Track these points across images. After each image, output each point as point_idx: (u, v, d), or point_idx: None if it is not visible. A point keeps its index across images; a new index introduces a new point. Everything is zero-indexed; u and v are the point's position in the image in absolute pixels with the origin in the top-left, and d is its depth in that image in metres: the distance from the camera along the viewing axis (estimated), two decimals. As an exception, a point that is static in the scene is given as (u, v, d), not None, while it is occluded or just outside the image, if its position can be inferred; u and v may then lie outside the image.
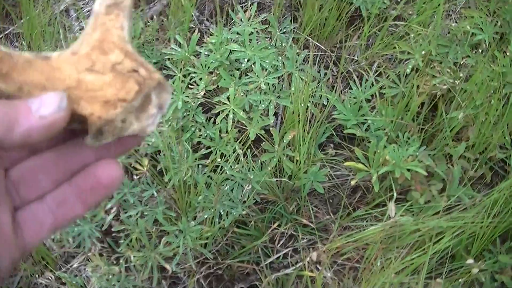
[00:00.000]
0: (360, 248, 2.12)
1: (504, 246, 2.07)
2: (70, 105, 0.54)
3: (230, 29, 2.32)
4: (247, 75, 2.22)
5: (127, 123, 0.56)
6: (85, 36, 0.59)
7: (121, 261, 2.08)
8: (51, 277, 2.11)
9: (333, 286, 2.02)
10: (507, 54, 2.23)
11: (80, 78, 0.56)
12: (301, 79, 2.24)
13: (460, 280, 2.00)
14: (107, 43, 0.57)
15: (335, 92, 2.37)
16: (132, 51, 0.58)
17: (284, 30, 2.42)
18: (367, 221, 2.18)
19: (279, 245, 2.19)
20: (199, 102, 2.20)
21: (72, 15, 2.55)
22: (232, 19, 2.35)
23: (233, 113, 2.14)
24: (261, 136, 2.17)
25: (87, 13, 2.57)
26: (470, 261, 2.02)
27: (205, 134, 2.18)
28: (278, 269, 2.16)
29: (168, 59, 2.31)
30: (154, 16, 2.47)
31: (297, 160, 2.12)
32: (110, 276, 2.06)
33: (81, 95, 0.55)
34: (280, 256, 2.17)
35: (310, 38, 2.44)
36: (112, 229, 2.12)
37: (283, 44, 2.35)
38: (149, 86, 0.55)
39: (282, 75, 2.23)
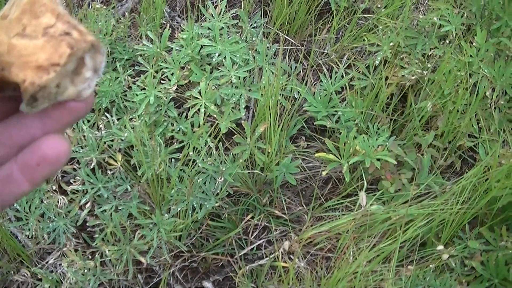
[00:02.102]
0: (332, 237, 2.14)
1: (473, 232, 2.10)
2: None
3: (201, 24, 2.34)
4: (218, 69, 2.24)
5: (61, 87, 0.55)
6: None
7: (96, 255, 2.09)
8: (27, 274, 2.11)
9: (307, 276, 2.04)
10: (474, 44, 2.27)
11: (11, 43, 0.54)
12: (272, 72, 2.26)
13: (430, 266, 2.03)
14: (38, 6, 0.55)
15: (306, 85, 2.40)
16: (64, 13, 0.56)
17: (255, 25, 2.45)
18: (339, 211, 2.21)
19: (252, 236, 2.21)
20: (171, 97, 2.22)
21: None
22: (203, 14, 2.37)
23: (204, 107, 2.16)
24: (233, 130, 2.19)
25: None
26: (440, 247, 2.05)
27: (178, 129, 2.20)
28: (252, 260, 2.18)
29: (140, 55, 2.33)
30: (126, 13, 2.49)
31: (268, 152, 2.15)
32: (86, 271, 2.08)
33: (13, 61, 0.54)
34: (254, 247, 2.20)
35: (280, 32, 2.47)
36: (87, 224, 2.14)
37: (254, 39, 2.38)
38: (82, 48, 0.54)
39: (252, 69, 2.26)
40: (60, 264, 2.15)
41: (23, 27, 0.55)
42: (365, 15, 2.50)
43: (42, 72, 0.53)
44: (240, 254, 2.16)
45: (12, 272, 2.15)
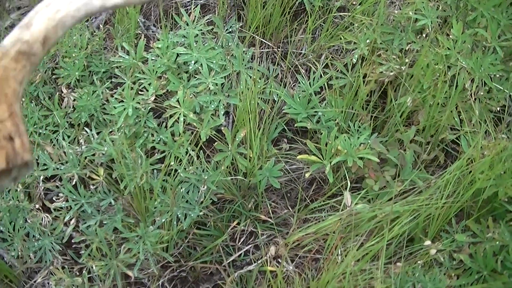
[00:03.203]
0: (320, 239, 2.13)
1: (460, 225, 2.10)
2: None
3: (176, 33, 2.33)
4: (195, 77, 2.23)
5: None
6: None
7: (84, 271, 2.08)
8: (15, 294, 2.10)
9: (296, 279, 2.03)
10: (450, 36, 2.26)
11: None
12: (249, 76, 2.25)
13: (419, 262, 2.02)
14: (1, 91, 0.56)
15: (285, 87, 2.39)
16: (18, 113, 0.56)
17: (230, 30, 2.44)
18: (325, 212, 2.20)
19: (240, 242, 2.20)
20: (149, 107, 2.21)
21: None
22: (178, 23, 2.36)
23: (183, 115, 2.14)
24: (213, 137, 2.18)
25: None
26: (427, 242, 2.04)
27: (158, 139, 2.19)
28: (240, 266, 2.17)
29: (117, 67, 2.31)
30: (100, 26, 2.48)
31: (250, 157, 2.14)
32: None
33: None
34: (241, 253, 2.19)
35: (256, 36, 2.45)
36: (73, 241, 2.12)
37: (230, 44, 2.36)
38: (18, 166, 0.54)
39: (230, 74, 2.25)
40: (48, 283, 2.14)
41: None
42: (341, 13, 2.49)
43: None
44: (228, 261, 2.15)
45: (0, 293, 2.14)
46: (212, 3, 2.61)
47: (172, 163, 2.09)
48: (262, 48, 2.48)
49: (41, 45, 0.64)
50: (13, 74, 0.57)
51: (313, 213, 2.22)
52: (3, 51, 0.59)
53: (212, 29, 2.39)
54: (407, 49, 2.32)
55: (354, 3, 2.49)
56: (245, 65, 2.30)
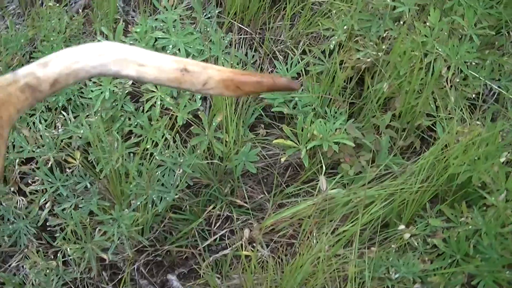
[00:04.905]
0: (295, 223, 2.14)
1: (434, 210, 2.11)
2: None
3: (155, 18, 2.32)
4: (173, 61, 2.22)
5: None
6: None
7: (58, 255, 2.08)
8: (-11, 278, 2.10)
9: (270, 263, 2.04)
10: (427, 24, 2.27)
11: None
12: (227, 62, 2.26)
13: (393, 246, 2.03)
14: None
15: (263, 73, 2.39)
16: (5, 137, 0.59)
17: (209, 15, 2.43)
18: (301, 197, 2.21)
19: (215, 227, 2.21)
20: (127, 91, 2.20)
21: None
22: (157, 8, 2.36)
23: (160, 99, 2.14)
24: (190, 121, 2.18)
25: (12, 11, 2.56)
26: (401, 227, 2.06)
27: (136, 123, 2.19)
28: (216, 251, 2.18)
29: (95, 51, 2.31)
30: (79, 10, 2.48)
31: (227, 142, 2.14)
32: (49, 271, 2.06)
33: None
34: (217, 238, 2.19)
35: (234, 22, 2.46)
36: (47, 224, 2.12)
37: (208, 29, 2.36)
38: None
39: (207, 59, 2.25)
40: (23, 266, 2.13)
41: None
42: (319, 0, 2.49)
43: None
44: (203, 246, 2.15)
45: (-26, 277, 2.13)
46: (191, -11, 2.61)
47: (148, 146, 2.09)
48: (241, 34, 2.49)
49: (50, 86, 0.70)
50: (15, 102, 0.61)
51: (288, 198, 2.22)
52: (15, 78, 0.64)
53: (191, 14, 2.39)
54: (384, 36, 2.32)
55: (333, -10, 2.49)
56: (223, 50, 2.30)
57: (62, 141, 2.17)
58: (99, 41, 2.30)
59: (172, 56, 0.82)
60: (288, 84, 0.80)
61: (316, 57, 2.36)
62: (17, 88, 0.63)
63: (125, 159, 2.09)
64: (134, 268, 2.15)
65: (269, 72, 2.43)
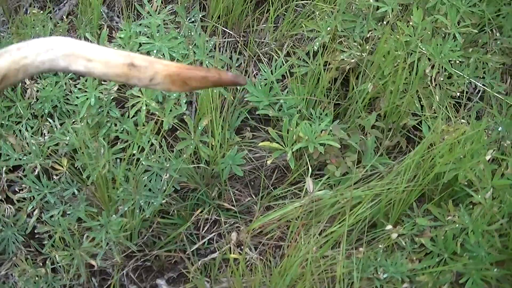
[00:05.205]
0: (282, 226, 2.15)
1: (421, 209, 2.12)
2: None
3: (139, 23, 2.33)
4: (157, 66, 2.22)
5: None
6: None
7: (47, 262, 2.08)
8: (-22, 287, 2.10)
9: (259, 266, 2.04)
10: (411, 23, 2.28)
11: None
12: (212, 65, 2.26)
13: (380, 246, 2.04)
14: None
15: (248, 76, 2.40)
16: None
17: (193, 19, 2.44)
18: (288, 199, 2.21)
19: (203, 231, 2.21)
20: (112, 97, 2.21)
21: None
22: (141, 13, 2.36)
23: (146, 105, 2.15)
24: (176, 126, 2.18)
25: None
26: (389, 227, 2.06)
27: (122, 129, 2.19)
28: (205, 255, 2.18)
29: (80, 58, 2.31)
30: (64, 17, 2.48)
31: (213, 145, 2.15)
32: (37, 279, 2.06)
33: None
34: (205, 242, 2.19)
35: (218, 25, 2.46)
36: (36, 231, 2.12)
37: (192, 33, 2.37)
38: None
39: (192, 63, 2.25)
40: (12, 274, 2.13)
41: None
42: (302, 2, 2.50)
43: None
44: (192, 250, 2.16)
45: (-37, 286, 2.13)
46: (174, -7, 2.61)
47: (135, 152, 2.09)
48: (225, 38, 2.49)
49: None
50: None
51: (276, 200, 2.23)
52: None
53: (175, 18, 2.39)
54: (368, 36, 2.33)
55: (315, -9, 2.50)
56: (207, 54, 2.31)
57: (48, 148, 2.17)
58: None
59: (119, 50, 0.81)
60: (234, 79, 0.80)
61: (300, 59, 2.37)
62: None
63: (112, 165, 2.10)
64: (123, 273, 2.15)
65: (255, 75, 2.43)
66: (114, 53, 0.78)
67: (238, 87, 2.32)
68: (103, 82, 2.24)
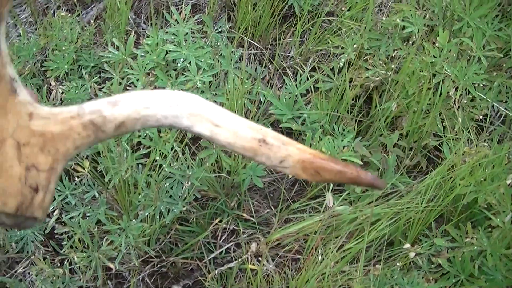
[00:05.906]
0: (300, 239, 2.16)
1: (439, 230, 2.13)
2: None
3: (166, 30, 2.35)
4: (184, 74, 2.25)
5: None
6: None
7: (65, 263, 2.09)
8: (-5, 284, 2.11)
9: (275, 277, 2.05)
10: (436, 45, 2.29)
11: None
12: (237, 76, 2.28)
13: (398, 264, 2.05)
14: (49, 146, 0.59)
15: (271, 88, 2.41)
16: (57, 172, 0.59)
17: (220, 30, 2.46)
18: (306, 213, 2.22)
19: (221, 240, 2.22)
20: (137, 102, 2.21)
21: (9, 22, 2.56)
22: (168, 21, 2.38)
23: (170, 112, 2.16)
24: (199, 134, 2.19)
25: (24, 20, 2.58)
26: (407, 245, 2.07)
27: (145, 134, 2.21)
28: (221, 264, 2.19)
29: (106, 62, 2.33)
30: (91, 21, 2.50)
31: (235, 156, 2.16)
32: (55, 279, 2.07)
33: None
34: (222, 251, 2.20)
35: (244, 37, 2.48)
36: (55, 232, 2.13)
37: (218, 43, 2.39)
38: (24, 216, 0.56)
39: (218, 73, 2.27)
40: (29, 273, 2.14)
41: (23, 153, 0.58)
42: (329, 18, 2.52)
43: None
44: (209, 258, 2.16)
45: (-20, 282, 2.14)
46: (202, 3, 2.63)
47: (157, 158, 2.11)
48: (251, 50, 2.51)
49: (115, 127, 0.66)
50: (75, 137, 0.59)
51: (294, 213, 2.24)
52: (79, 112, 0.61)
53: (202, 28, 2.42)
54: (393, 55, 2.35)
55: (343, 8, 2.52)
56: (233, 65, 2.33)
57: (71, 150, 2.18)
58: (110, 52, 2.32)
59: (250, 122, 0.75)
60: (373, 182, 0.73)
61: (325, 74, 2.38)
62: (80, 123, 0.61)
63: (134, 170, 2.11)
64: (139, 278, 2.16)
65: (279, 88, 2.45)
66: (244, 123, 0.73)
67: (262, 99, 2.34)
68: (128, 88, 2.26)
